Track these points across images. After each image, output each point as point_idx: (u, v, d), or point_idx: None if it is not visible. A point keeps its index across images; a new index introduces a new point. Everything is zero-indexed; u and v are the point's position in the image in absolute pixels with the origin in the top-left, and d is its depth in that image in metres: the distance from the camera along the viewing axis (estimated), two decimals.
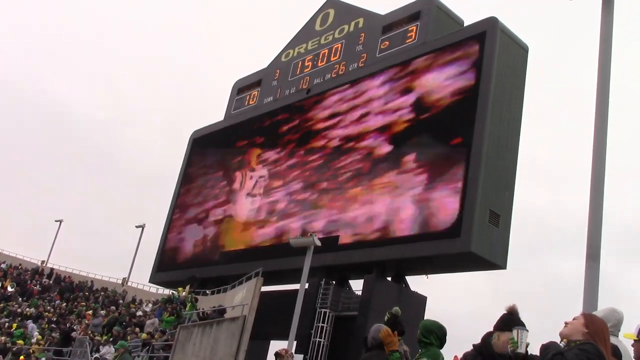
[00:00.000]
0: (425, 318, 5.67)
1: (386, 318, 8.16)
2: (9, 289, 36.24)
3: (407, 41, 24.44)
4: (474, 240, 18.58)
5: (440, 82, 21.88)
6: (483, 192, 19.06)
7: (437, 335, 5.29)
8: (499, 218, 19.38)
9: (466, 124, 20.11)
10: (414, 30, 24.36)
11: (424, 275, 22.61)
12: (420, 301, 21.86)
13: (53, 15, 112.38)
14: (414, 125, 22.07)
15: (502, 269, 19.64)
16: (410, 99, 22.74)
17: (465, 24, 23.75)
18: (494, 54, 20.56)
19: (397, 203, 21.19)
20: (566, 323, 3.85)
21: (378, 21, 26.36)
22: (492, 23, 21.31)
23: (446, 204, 19.58)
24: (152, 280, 32.38)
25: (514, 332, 3.76)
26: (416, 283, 22.82)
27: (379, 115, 23.67)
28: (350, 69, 26.45)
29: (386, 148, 22.71)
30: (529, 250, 69.32)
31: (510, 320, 4.23)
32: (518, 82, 21.52)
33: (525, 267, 73.04)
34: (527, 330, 3.79)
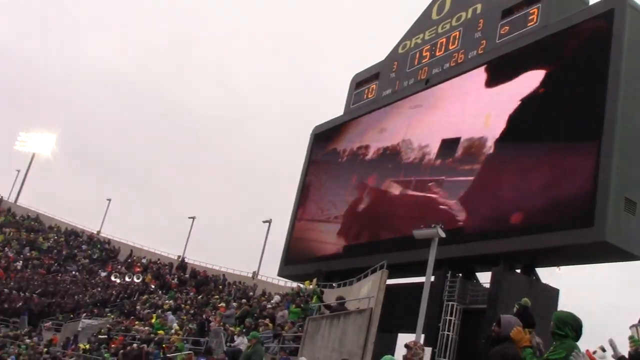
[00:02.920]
0: (559, 310, 5.51)
1: (515, 309, 8.05)
2: (135, 279, 38.78)
3: (529, 24, 23.60)
4: (609, 229, 17.65)
5: (568, 63, 20.97)
6: (617, 179, 18.08)
7: (572, 327, 5.16)
8: (636, 206, 18.31)
9: (596, 108, 19.16)
10: (535, 13, 23.46)
11: (556, 267, 21.77)
12: (551, 294, 21.06)
13: (169, 18, 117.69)
14: (540, 110, 21.28)
15: None
16: (535, 82, 21.95)
17: (591, 3, 22.58)
18: (623, 32, 19.41)
19: (524, 191, 20.57)
20: None
21: (497, 6, 25.63)
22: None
23: (577, 192, 18.77)
24: (280, 273, 33.34)
25: (632, 330, 3.62)
26: (547, 275, 22.03)
27: (500, 101, 23.04)
28: (469, 57, 25.94)
29: (510, 134, 22.08)
30: None
31: None
32: None
33: None
34: None
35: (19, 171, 64.58)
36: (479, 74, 24.75)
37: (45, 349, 29.54)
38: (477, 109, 24.21)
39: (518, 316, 6.73)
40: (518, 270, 21.48)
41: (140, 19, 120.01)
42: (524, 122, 21.87)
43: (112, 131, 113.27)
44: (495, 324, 6.16)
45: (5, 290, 39.45)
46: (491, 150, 22.63)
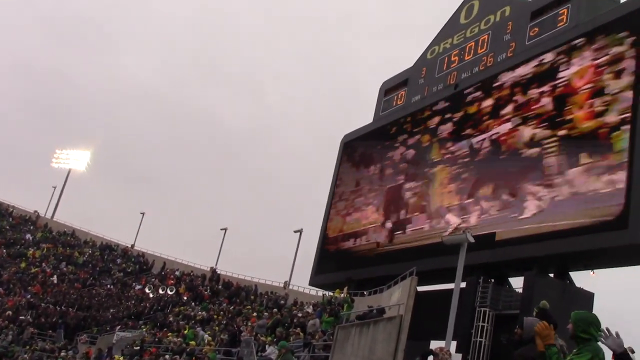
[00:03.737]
0: (576, 310, 5.20)
1: (535, 313, 7.83)
2: (169, 292, 38.97)
3: (559, 25, 23.24)
4: None
5: (599, 62, 20.53)
6: None
7: (597, 327, 4.90)
8: None
9: (629, 112, 18.69)
10: (565, 13, 23.12)
11: (590, 271, 21.22)
12: (586, 298, 20.54)
13: (198, 31, 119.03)
14: (574, 115, 20.83)
15: None
16: (565, 83, 21.54)
17: (622, 1, 22.12)
18: None
19: (556, 193, 20.13)
20: None
21: (526, 7, 25.31)
22: None
23: (611, 193, 18.30)
24: (312, 282, 33.22)
25: None
26: (582, 279, 21.49)
27: (531, 104, 22.65)
28: (498, 60, 25.61)
29: (541, 135, 21.65)
30: None
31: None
32: None
33: None
34: None
35: (55, 187, 65.74)
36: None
37: None
38: (509, 111, 23.85)
39: (539, 319, 6.50)
40: (551, 275, 21.00)
41: (169, 33, 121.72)
42: (553, 125, 21.45)
43: (144, 145, 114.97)
44: (517, 326, 5.99)
45: (42, 304, 40.03)
46: (524, 152, 22.25)
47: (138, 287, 44.07)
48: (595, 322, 4.92)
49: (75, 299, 41.52)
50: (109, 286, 45.18)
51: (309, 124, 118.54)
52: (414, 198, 27.42)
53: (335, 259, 31.43)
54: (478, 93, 25.70)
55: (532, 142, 21.83)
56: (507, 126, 23.35)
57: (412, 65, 31.80)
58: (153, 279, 44.79)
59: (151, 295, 41.34)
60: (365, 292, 25.62)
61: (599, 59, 20.47)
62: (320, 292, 32.36)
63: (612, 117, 19.19)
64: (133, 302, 40.75)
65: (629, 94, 18.93)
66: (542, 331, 5.23)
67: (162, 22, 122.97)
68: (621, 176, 18.08)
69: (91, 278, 46.37)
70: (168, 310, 37.46)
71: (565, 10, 23.22)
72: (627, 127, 18.53)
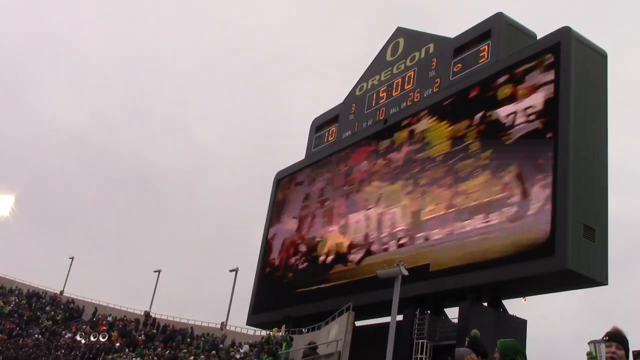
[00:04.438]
0: (502, 339, 5.27)
1: (466, 342, 7.99)
2: (101, 338, 37.72)
3: (480, 61, 24.14)
4: (570, 257, 17.82)
5: (520, 97, 21.39)
6: (574, 207, 18.35)
7: (523, 354, 5.00)
8: (594, 232, 18.54)
9: (549, 139, 19.53)
10: (486, 50, 24.05)
11: (522, 298, 21.80)
12: (519, 325, 21.05)
13: (124, 71, 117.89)
14: (496, 145, 21.57)
15: (603, 284, 18.70)
16: (490, 117, 22.32)
17: (539, 37, 23.22)
18: (570, 64, 19.97)
19: (484, 224, 20.68)
20: None
21: (449, 45, 26.20)
22: (565, 33, 20.77)
23: (537, 221, 18.95)
24: (249, 322, 32.79)
25: (590, 346, 3.56)
26: (514, 306, 22.03)
27: (457, 138, 23.33)
28: (425, 95, 26.33)
29: (468, 167, 22.29)
30: (631, 264, 65.45)
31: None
32: (600, 89, 20.78)
33: (629, 282, 68.91)
34: (603, 342, 3.57)
35: None
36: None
37: None
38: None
39: (471, 348, 6.65)
40: (485, 304, 21.43)
41: (95, 74, 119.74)
42: (480, 157, 22.14)
43: (71, 189, 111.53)
44: (449, 357, 6.09)
45: None
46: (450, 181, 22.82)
47: (68, 335, 42.39)
48: (521, 350, 5.03)
49: (1, 351, 39.58)
50: (37, 336, 43.29)
51: (241, 162, 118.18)
52: (349, 232, 27.60)
53: (272, 297, 31.16)
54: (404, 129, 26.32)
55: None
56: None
57: (341, 101, 32.29)
58: (84, 326, 43.19)
59: (83, 342, 39.83)
60: (303, 330, 25.44)
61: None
62: (259, 332, 31.97)
63: None
64: (63, 351, 39.13)
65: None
66: None
67: (86, 63, 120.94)
68: (547, 206, 18.75)
69: (17, 328, 44.38)
70: (101, 358, 36.16)
71: (486, 46, 24.15)
72: None
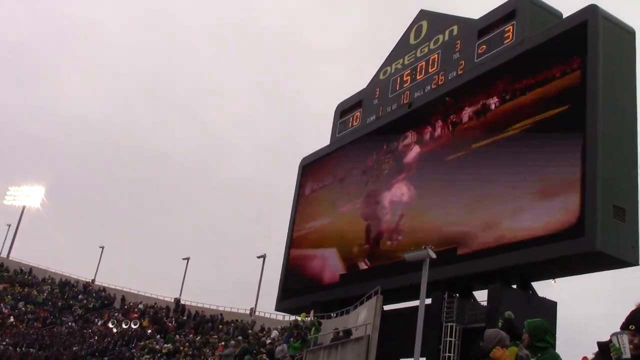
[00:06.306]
0: (529, 319, 5.24)
1: (500, 324, 7.98)
2: (132, 326, 38.27)
3: (505, 42, 23.87)
4: (600, 238, 17.66)
5: (545, 79, 21.14)
6: (604, 188, 18.14)
7: (552, 333, 4.97)
8: (624, 212, 18.32)
9: (578, 121, 19.29)
10: (511, 30, 23.76)
11: (552, 280, 21.65)
12: (550, 307, 20.89)
13: (144, 59, 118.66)
14: (525, 127, 21.36)
15: (634, 265, 18.51)
16: (515, 100, 22.10)
17: (565, 16, 22.87)
18: (598, 42, 19.66)
19: (513, 205, 20.57)
20: None
21: (473, 26, 25.93)
22: (592, 11, 20.41)
23: (566, 203, 18.79)
24: (278, 308, 33.06)
25: (613, 338, 3.48)
26: (544, 288, 21.89)
27: (485, 118, 23.16)
28: (449, 78, 26.14)
29: (495, 149, 22.15)
30: None
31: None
32: (628, 67, 20.43)
33: None
34: (626, 334, 3.48)
35: (9, 225, 64.13)
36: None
37: None
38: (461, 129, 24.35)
39: (504, 330, 6.62)
40: (514, 286, 21.34)
41: (117, 64, 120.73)
42: (508, 141, 21.96)
43: (98, 178, 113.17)
44: (480, 342, 6.10)
45: (1, 347, 38.88)
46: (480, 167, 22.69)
47: (100, 322, 43.16)
48: (550, 329, 5.00)
49: (36, 339, 40.46)
50: (70, 323, 44.14)
51: (264, 149, 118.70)
52: (377, 217, 27.62)
53: (301, 283, 31.35)
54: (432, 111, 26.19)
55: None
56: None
57: (365, 86, 32.20)
58: (116, 314, 43.92)
59: (115, 331, 40.51)
60: (332, 314, 25.59)
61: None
62: (288, 317, 32.23)
63: None
64: (96, 338, 39.86)
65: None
66: (499, 357, 5.29)
67: (105, 54, 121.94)
68: (576, 186, 18.57)
69: (51, 316, 45.28)
70: (133, 345, 36.77)
71: (511, 27, 23.86)
72: None
